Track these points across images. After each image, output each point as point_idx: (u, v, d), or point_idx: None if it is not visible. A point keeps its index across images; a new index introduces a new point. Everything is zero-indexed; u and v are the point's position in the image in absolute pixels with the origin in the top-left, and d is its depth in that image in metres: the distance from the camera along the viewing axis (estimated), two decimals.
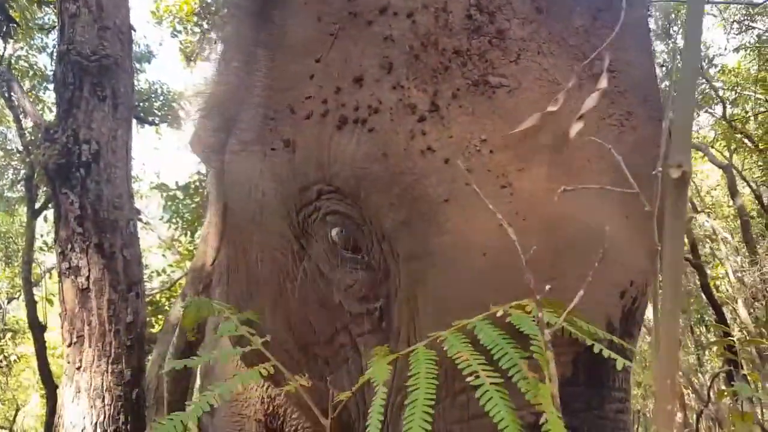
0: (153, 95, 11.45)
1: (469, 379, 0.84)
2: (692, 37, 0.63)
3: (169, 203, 9.37)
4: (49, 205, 7.62)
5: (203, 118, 1.58)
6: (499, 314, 0.92)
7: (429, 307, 1.01)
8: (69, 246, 3.79)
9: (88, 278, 3.77)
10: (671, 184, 0.65)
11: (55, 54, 4.12)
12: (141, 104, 11.02)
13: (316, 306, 1.25)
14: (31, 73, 9.71)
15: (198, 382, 5.28)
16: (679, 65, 0.65)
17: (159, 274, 11.21)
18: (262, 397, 2.44)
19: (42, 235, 9.74)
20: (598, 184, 0.98)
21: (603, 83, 1.04)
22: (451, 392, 0.97)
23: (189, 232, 9.41)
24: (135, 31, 4.50)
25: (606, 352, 0.89)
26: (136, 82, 11.68)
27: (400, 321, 1.08)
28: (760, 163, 12.30)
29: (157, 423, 2.57)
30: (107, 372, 3.74)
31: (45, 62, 11.18)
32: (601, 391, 0.94)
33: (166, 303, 9.93)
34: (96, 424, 3.66)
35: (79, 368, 3.72)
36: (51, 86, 7.80)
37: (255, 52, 1.36)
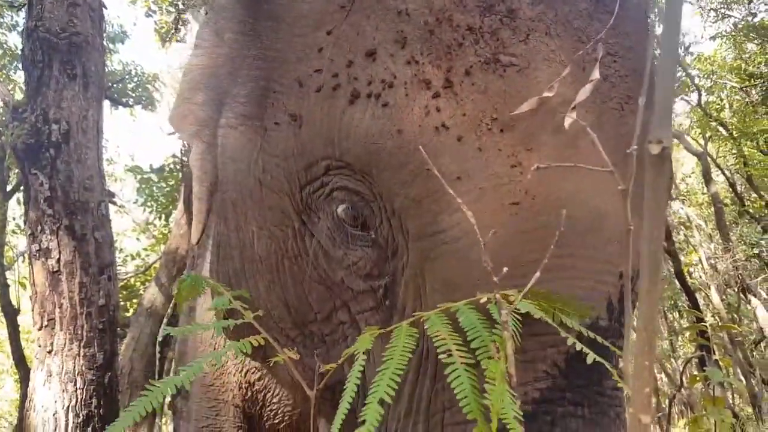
0: (127, 76, 11.24)
1: (441, 356, 0.85)
2: (672, 10, 0.60)
3: (144, 186, 9.25)
4: (22, 187, 7.47)
5: (192, 92, 1.53)
6: (482, 301, 0.92)
7: (437, 284, 1.01)
8: (39, 228, 3.71)
9: (58, 260, 3.69)
10: (651, 161, 0.62)
11: (23, 31, 3.99)
12: (114, 85, 10.82)
13: (316, 283, 1.23)
14: (0, 51, 9.47)
15: (174, 366, 5.24)
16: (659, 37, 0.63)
17: (133, 258, 11.09)
18: (240, 382, 2.43)
19: (14, 218, 9.56)
20: (603, 166, 0.96)
21: (596, 74, 1.03)
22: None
23: (164, 216, 9.30)
24: (106, 8, 4.38)
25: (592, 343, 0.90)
26: (109, 63, 11.55)
27: (406, 298, 1.08)
28: (734, 151, 12.48)
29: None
30: (79, 356, 3.68)
31: (15, 41, 10.90)
32: (600, 367, 0.94)
33: (141, 287, 9.82)
34: (68, 408, 3.60)
35: (50, 352, 3.66)
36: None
37: (254, 23, 1.32)
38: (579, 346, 0.89)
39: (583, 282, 0.97)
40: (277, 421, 2.39)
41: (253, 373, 2.38)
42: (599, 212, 0.98)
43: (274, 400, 2.37)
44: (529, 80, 1.02)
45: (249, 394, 2.42)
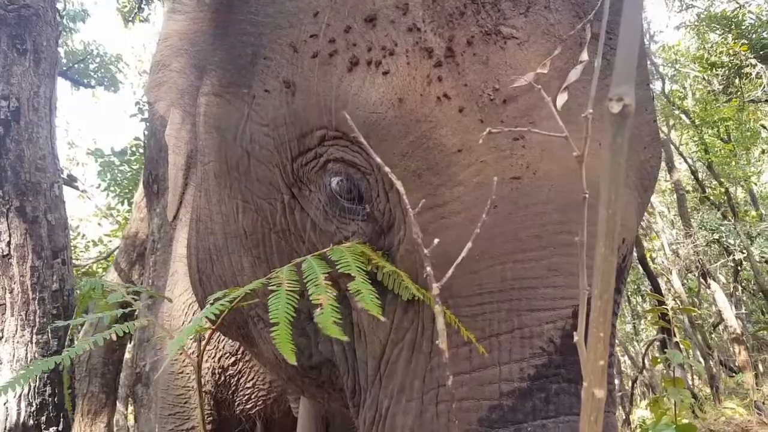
0: (88, 56, 10.93)
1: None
2: None
3: (105, 170, 9.04)
4: None
5: (171, 58, 1.47)
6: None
7: (435, 259, 0.97)
8: None
9: (9, 243, 3.54)
10: (611, 120, 0.58)
11: None
12: (75, 66, 10.51)
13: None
14: None
15: (134, 352, 5.13)
16: None
17: (96, 244, 10.85)
18: (214, 368, 2.39)
19: None
20: (599, 141, 0.98)
21: (584, 56, 1.01)
22: (454, 344, 0.95)
23: (126, 200, 9.10)
24: None
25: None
26: (69, 43, 11.22)
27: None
28: (695, 139, 12.73)
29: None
30: (31, 342, 3.55)
31: None
32: None
33: (103, 273, 9.62)
34: (20, 396, 3.48)
35: (0, 338, 3.52)
36: None
37: None
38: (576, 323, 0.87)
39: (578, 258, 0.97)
40: (249, 406, 2.37)
41: (227, 358, 2.35)
42: (596, 187, 0.96)
43: (248, 385, 2.34)
44: (529, 53, 0.99)
45: (222, 379, 2.39)
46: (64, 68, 9.87)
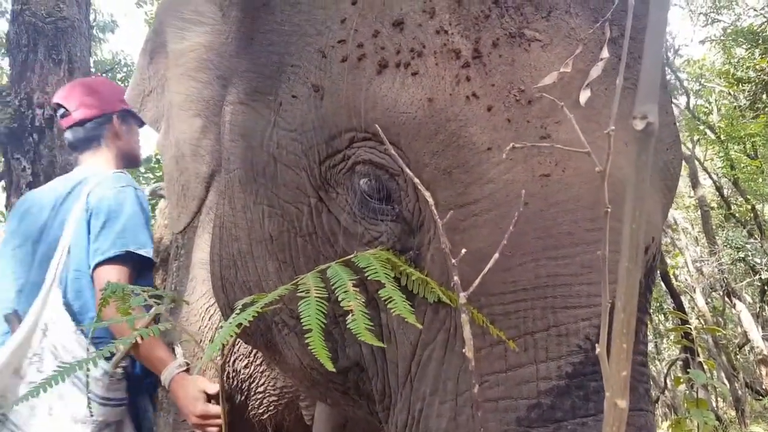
0: (116, 66, 11.14)
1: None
2: None
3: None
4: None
5: (196, 71, 1.50)
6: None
7: (466, 256, 0.98)
8: None
9: None
10: (635, 137, 0.60)
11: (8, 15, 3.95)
12: (104, 75, 10.72)
13: (331, 261, 1.18)
14: None
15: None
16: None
17: None
18: (228, 371, 2.38)
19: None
20: (623, 141, 0.99)
21: (605, 53, 1.04)
22: (488, 343, 0.95)
23: (151, 207, 9.21)
24: None
25: None
26: (99, 53, 11.45)
27: (432, 272, 1.05)
28: (721, 155, 12.56)
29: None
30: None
31: (3, 28, 10.78)
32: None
33: None
34: None
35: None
36: None
37: (268, 1, 1.30)
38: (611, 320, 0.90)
39: (612, 255, 0.98)
40: (261, 410, 2.32)
41: (240, 360, 2.34)
42: (624, 185, 0.98)
43: (259, 389, 2.29)
44: (552, 56, 1.02)
45: (235, 383, 2.37)
46: (93, 77, 10.07)
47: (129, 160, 2.86)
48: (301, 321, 0.92)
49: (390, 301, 0.90)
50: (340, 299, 0.92)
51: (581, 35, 1.04)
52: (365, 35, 1.08)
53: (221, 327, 2.18)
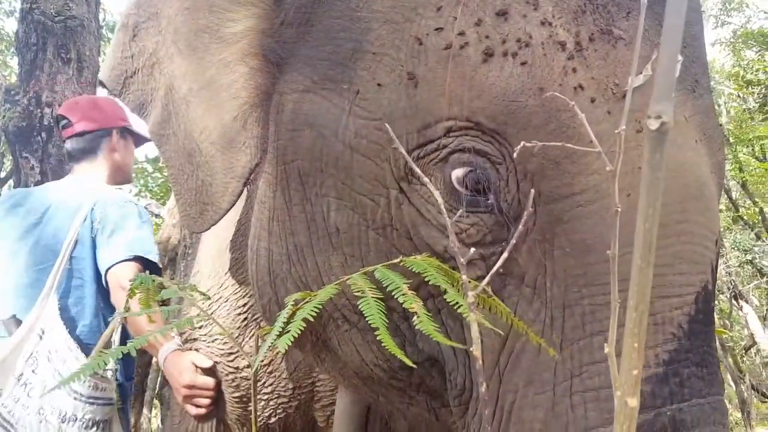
0: None
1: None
2: None
3: (138, 176, 9.20)
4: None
5: (247, 57, 1.44)
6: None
7: (569, 247, 1.00)
8: None
9: None
10: (649, 136, 0.60)
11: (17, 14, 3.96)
12: None
13: (409, 255, 1.15)
14: None
15: None
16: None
17: None
18: (228, 371, 2.34)
19: None
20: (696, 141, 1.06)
21: (649, 68, 1.08)
22: (588, 333, 0.97)
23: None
24: None
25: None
26: (108, 52, 11.46)
27: (528, 264, 1.04)
28: (730, 157, 12.50)
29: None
30: None
31: (13, 27, 10.82)
32: (710, 330, 1.00)
33: None
34: None
35: None
36: None
37: None
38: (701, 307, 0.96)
39: (697, 247, 1.01)
40: (267, 413, 2.22)
41: (241, 359, 2.28)
42: (702, 181, 1.03)
43: (266, 390, 2.19)
44: (634, 54, 1.05)
45: (245, 382, 2.31)
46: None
47: (122, 176, 2.91)
48: (365, 317, 0.94)
49: (458, 306, 0.92)
50: (401, 302, 0.94)
51: (651, 36, 1.08)
52: (467, 23, 1.07)
53: (257, 322, 2.14)
